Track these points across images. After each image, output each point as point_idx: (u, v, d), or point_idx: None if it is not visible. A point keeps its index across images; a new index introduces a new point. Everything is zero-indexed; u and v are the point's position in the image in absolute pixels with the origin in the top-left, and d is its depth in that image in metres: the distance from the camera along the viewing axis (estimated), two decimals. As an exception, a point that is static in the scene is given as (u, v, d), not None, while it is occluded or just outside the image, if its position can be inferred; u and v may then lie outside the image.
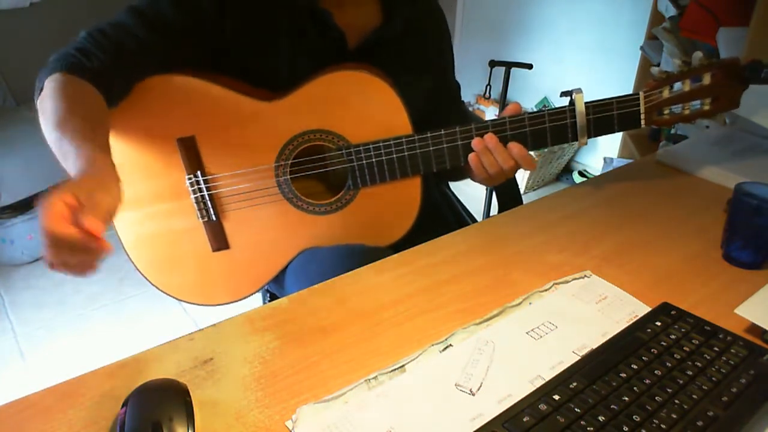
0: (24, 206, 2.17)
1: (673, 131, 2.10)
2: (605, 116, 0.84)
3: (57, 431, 0.50)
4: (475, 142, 0.83)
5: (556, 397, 0.51)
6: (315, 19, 0.85)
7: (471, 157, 0.84)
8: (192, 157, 0.84)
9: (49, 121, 0.67)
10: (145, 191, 0.85)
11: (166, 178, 0.85)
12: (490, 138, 0.83)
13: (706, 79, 0.84)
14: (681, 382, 0.53)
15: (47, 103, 0.69)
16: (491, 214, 1.43)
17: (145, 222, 0.86)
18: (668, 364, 0.55)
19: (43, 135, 0.69)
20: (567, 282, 0.71)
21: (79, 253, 0.56)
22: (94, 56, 0.74)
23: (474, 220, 1.10)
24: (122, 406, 0.50)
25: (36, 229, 2.15)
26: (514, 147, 0.83)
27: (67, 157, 0.64)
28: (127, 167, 0.84)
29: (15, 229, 2.13)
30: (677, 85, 0.85)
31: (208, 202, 0.86)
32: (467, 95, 3.16)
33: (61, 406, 0.53)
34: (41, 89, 0.72)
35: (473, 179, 0.92)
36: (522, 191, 2.58)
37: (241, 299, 0.92)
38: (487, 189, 2.02)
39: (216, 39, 0.83)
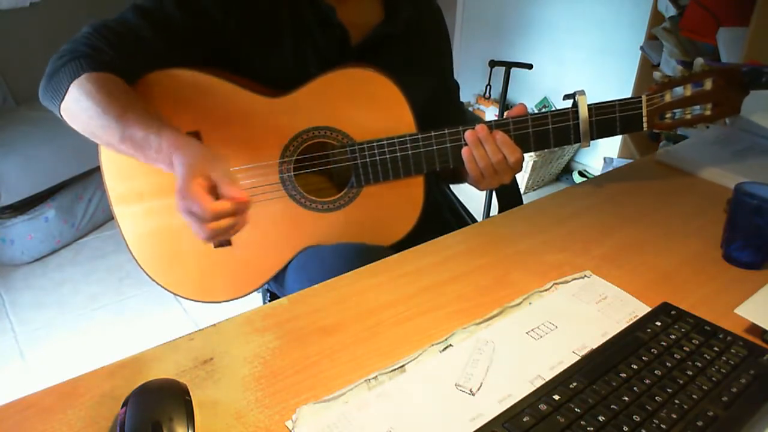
0: (24, 206, 2.17)
1: (673, 132, 2.10)
2: (608, 119, 0.84)
3: (57, 431, 0.50)
4: (468, 134, 0.83)
5: (556, 397, 0.51)
6: (318, 15, 0.86)
7: (463, 150, 0.84)
8: None
9: (102, 120, 0.71)
10: (149, 186, 0.85)
11: (170, 173, 0.84)
12: (481, 128, 0.83)
13: (707, 85, 0.84)
14: (681, 382, 0.53)
15: (88, 104, 0.72)
16: (491, 214, 1.43)
17: (147, 217, 0.86)
18: (668, 364, 0.55)
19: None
20: (567, 282, 0.71)
21: (233, 218, 0.68)
22: (103, 52, 0.76)
23: (474, 220, 1.10)
24: (122, 406, 0.50)
25: (36, 229, 2.15)
26: (498, 134, 0.83)
27: (148, 144, 0.71)
28: (131, 162, 0.83)
29: (15, 229, 2.13)
30: (679, 90, 0.85)
31: None
32: (467, 95, 3.16)
33: (61, 406, 0.53)
34: (65, 91, 0.74)
35: (468, 181, 0.92)
36: (522, 191, 2.58)
37: (241, 297, 0.92)
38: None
39: (219, 38, 0.83)
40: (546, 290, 0.69)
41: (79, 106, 0.74)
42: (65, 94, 0.74)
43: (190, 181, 0.67)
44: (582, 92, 0.84)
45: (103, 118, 0.72)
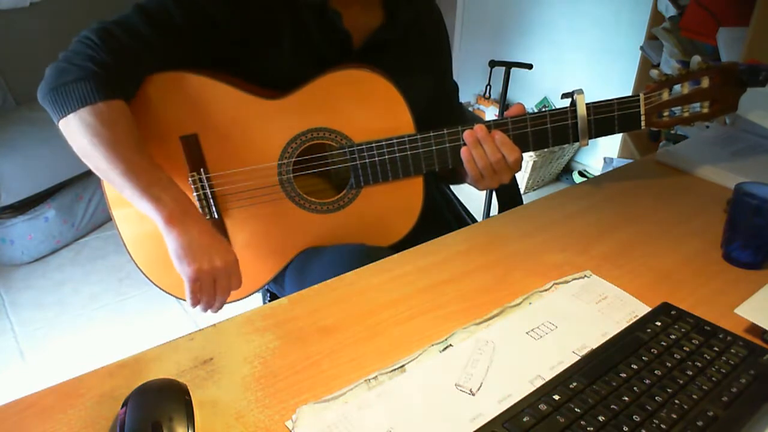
0: (24, 206, 2.17)
1: (673, 131, 2.10)
2: (606, 117, 0.84)
3: (57, 431, 0.50)
4: (467, 134, 0.83)
5: (556, 397, 0.51)
6: (322, 20, 0.85)
7: (462, 150, 0.84)
8: (195, 155, 0.84)
9: (111, 162, 0.75)
10: None
11: (169, 175, 0.84)
12: (480, 128, 0.83)
13: (705, 83, 0.84)
14: (681, 382, 0.53)
15: (93, 141, 0.75)
16: (491, 214, 1.43)
17: (145, 219, 0.86)
18: (668, 364, 0.55)
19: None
20: (567, 282, 0.71)
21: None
22: (109, 67, 0.75)
23: (474, 220, 1.10)
24: (122, 406, 0.50)
25: (36, 229, 2.16)
26: (496, 134, 0.83)
27: (145, 199, 0.75)
28: None
29: (15, 229, 2.13)
30: (676, 88, 0.85)
31: (210, 200, 0.86)
32: (467, 95, 3.16)
33: (61, 406, 0.53)
34: (71, 111, 0.75)
35: (467, 181, 0.92)
36: (522, 191, 2.58)
37: (240, 299, 0.92)
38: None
39: (219, 40, 0.83)
40: (546, 290, 0.69)
41: (82, 135, 0.75)
42: (70, 114, 0.75)
43: (199, 287, 0.76)
44: (580, 91, 0.84)
45: (106, 162, 0.75)
